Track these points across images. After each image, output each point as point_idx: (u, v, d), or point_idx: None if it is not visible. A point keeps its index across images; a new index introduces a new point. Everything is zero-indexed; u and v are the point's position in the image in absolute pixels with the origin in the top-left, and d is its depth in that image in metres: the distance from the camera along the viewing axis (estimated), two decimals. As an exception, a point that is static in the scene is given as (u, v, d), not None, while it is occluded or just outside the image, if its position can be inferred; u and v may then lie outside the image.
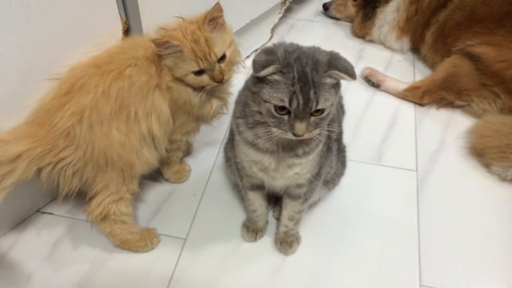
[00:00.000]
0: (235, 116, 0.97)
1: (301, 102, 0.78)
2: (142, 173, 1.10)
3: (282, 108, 0.81)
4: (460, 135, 1.49)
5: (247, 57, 1.72)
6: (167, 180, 1.33)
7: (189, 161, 1.39)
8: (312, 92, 0.79)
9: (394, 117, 1.56)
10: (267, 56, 0.81)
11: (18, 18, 0.91)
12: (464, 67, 1.50)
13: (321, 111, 0.82)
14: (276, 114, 0.82)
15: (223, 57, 1.02)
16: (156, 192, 1.32)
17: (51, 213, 1.25)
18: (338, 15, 1.98)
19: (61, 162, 0.97)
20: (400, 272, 1.14)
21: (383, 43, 1.85)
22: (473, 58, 1.48)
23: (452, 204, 1.30)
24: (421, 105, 1.59)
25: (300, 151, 0.93)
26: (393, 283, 1.12)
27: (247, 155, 0.96)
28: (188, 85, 1.04)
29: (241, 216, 1.25)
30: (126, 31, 1.20)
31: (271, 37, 1.82)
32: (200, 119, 1.15)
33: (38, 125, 0.96)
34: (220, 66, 1.02)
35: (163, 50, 0.98)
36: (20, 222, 1.22)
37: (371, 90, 1.66)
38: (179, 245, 1.19)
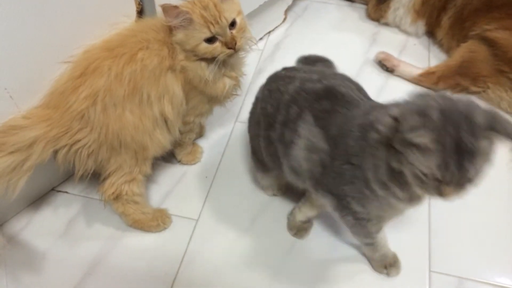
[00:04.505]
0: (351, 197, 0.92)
1: (456, 173, 0.72)
2: (155, 155, 1.11)
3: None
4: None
5: (260, 39, 1.71)
6: (179, 161, 1.34)
7: (202, 142, 1.40)
8: (467, 162, 0.71)
9: (408, 102, 1.54)
10: (419, 118, 0.72)
11: (34, -1, 0.92)
12: (481, 52, 1.47)
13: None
14: (425, 180, 0.75)
15: (233, 24, 1.02)
16: (169, 173, 1.33)
17: (66, 192, 1.27)
18: (353, -3, 1.95)
19: (76, 144, 0.98)
20: (410, 258, 1.15)
21: (398, 26, 1.82)
22: (490, 43, 1.45)
23: (463, 191, 1.30)
24: (436, 90, 1.57)
25: None
26: (403, 268, 1.13)
27: (392, 206, 0.91)
28: (202, 59, 1.03)
29: (252, 198, 1.26)
30: (140, 12, 1.19)
31: (284, 19, 1.80)
32: (214, 99, 1.15)
33: (53, 107, 0.98)
34: (231, 33, 1.02)
35: (172, 19, 0.97)
36: (35, 200, 1.25)
37: (385, 74, 1.64)
38: (191, 226, 1.21)
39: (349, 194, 0.92)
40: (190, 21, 0.98)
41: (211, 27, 0.98)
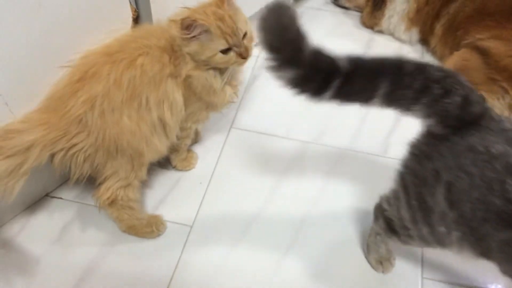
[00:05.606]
0: None
1: None
2: (151, 161, 1.12)
3: None
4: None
5: (255, 45, 1.71)
6: (174, 167, 1.34)
7: (197, 148, 1.40)
8: None
9: (401, 110, 1.56)
10: None
11: (30, 4, 0.92)
12: (473, 61, 1.49)
13: None
14: None
15: (245, 34, 1.04)
16: (163, 178, 1.33)
17: (60, 198, 1.27)
18: (347, 5, 1.96)
19: (73, 148, 0.98)
20: (403, 264, 1.16)
21: (392, 34, 1.84)
22: (482, 52, 1.47)
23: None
24: None
25: None
26: (396, 274, 1.14)
27: None
28: (212, 68, 1.05)
29: (246, 204, 1.27)
30: (136, 19, 1.20)
31: (280, 26, 1.81)
32: (212, 107, 1.17)
33: (51, 111, 0.97)
34: (243, 43, 1.04)
35: (189, 32, 0.98)
36: (29, 206, 1.24)
37: (379, 81, 1.65)
38: (185, 232, 1.21)
39: None
40: (207, 32, 0.99)
41: (229, 38, 1.00)
